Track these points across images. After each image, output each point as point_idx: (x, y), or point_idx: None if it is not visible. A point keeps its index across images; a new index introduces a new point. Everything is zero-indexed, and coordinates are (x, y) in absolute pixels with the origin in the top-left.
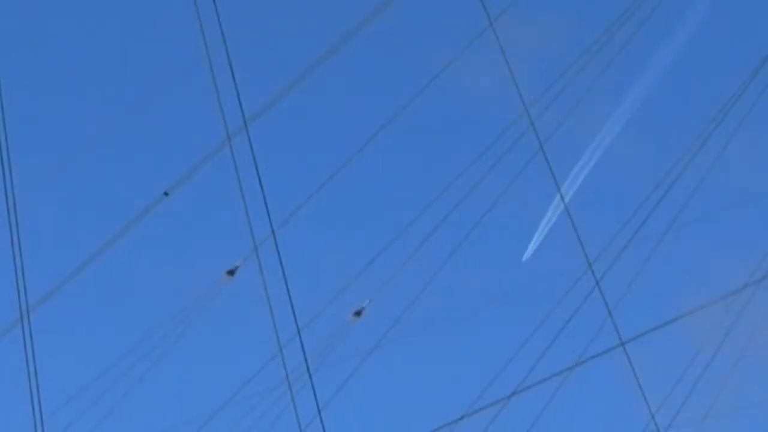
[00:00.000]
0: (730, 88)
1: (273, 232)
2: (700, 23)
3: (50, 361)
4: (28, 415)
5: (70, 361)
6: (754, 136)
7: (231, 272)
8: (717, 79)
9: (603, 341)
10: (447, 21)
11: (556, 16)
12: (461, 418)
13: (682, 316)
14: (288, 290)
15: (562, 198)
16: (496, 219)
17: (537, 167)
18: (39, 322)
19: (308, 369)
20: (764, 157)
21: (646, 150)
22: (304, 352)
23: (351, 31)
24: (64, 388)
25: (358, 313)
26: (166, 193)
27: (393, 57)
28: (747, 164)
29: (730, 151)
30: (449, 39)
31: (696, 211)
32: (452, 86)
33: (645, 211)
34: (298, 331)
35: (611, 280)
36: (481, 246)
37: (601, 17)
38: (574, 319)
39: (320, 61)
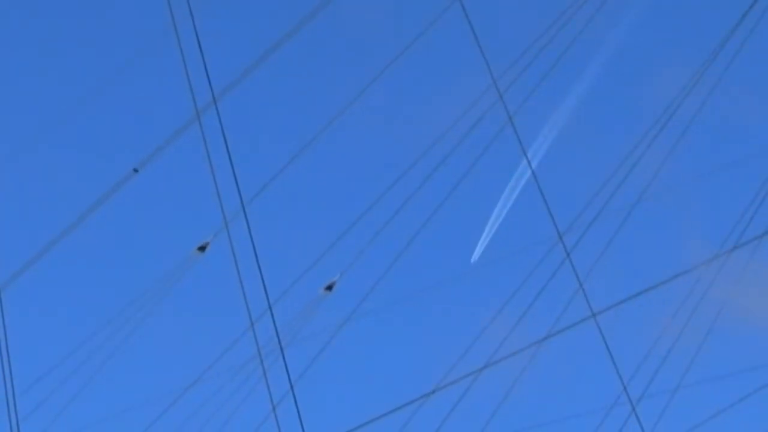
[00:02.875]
0: (701, 56)
1: (243, 207)
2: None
3: (22, 339)
4: (1, 393)
5: (42, 339)
6: (724, 105)
7: (202, 248)
8: (686, 47)
9: (574, 313)
10: None
11: None
12: (433, 391)
13: (652, 287)
14: (258, 265)
15: (531, 169)
16: (466, 191)
17: (503, 140)
18: (10, 300)
19: (280, 344)
20: (734, 126)
21: (614, 121)
22: (275, 327)
23: (320, 2)
24: (36, 366)
25: (329, 288)
26: (135, 170)
27: (362, 29)
28: (716, 134)
29: (699, 121)
30: (420, 11)
31: (665, 181)
32: (422, 58)
33: (614, 182)
34: (269, 306)
35: (581, 252)
36: (451, 219)
37: None
38: (544, 291)
39: (290, 34)
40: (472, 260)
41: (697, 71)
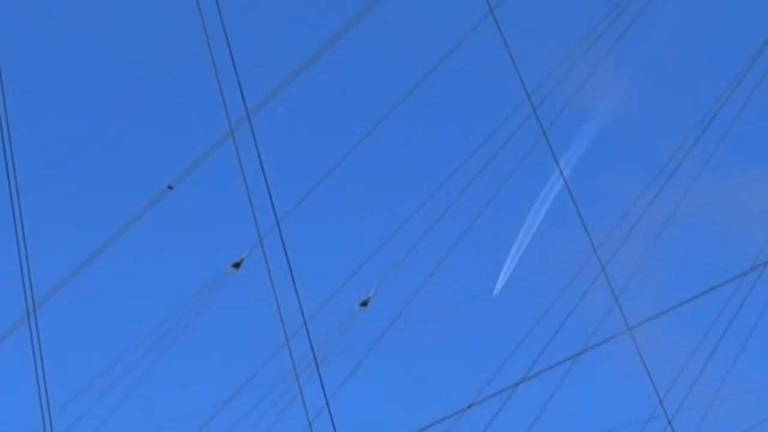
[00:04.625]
0: (734, 69)
1: (278, 223)
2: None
3: (58, 355)
4: (36, 410)
5: (78, 355)
6: (760, 116)
7: (237, 265)
8: (723, 60)
9: (610, 326)
10: (451, 7)
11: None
12: (469, 406)
13: (688, 301)
14: (293, 281)
15: (565, 181)
16: (499, 204)
17: (535, 151)
18: (46, 317)
19: (315, 360)
20: None
21: (649, 133)
22: (311, 343)
23: (353, 18)
24: (72, 382)
25: (364, 303)
26: (170, 187)
27: (395, 44)
28: (754, 141)
29: (735, 130)
30: (456, 24)
31: (700, 193)
32: (456, 72)
33: (649, 194)
34: (305, 322)
35: (616, 265)
36: (485, 233)
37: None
38: (579, 305)
39: (323, 49)
40: (505, 274)
41: (736, 76)
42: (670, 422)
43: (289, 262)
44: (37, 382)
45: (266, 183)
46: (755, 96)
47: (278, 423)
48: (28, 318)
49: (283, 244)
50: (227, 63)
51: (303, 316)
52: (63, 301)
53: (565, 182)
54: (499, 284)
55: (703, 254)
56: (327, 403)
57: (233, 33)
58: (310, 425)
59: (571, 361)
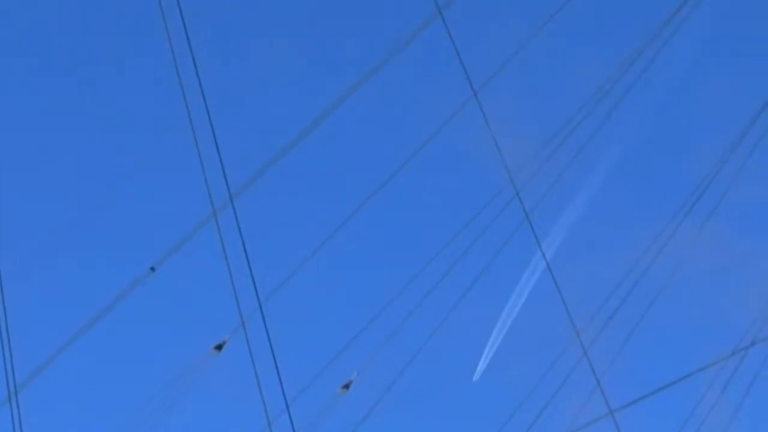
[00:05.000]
0: (719, 145)
1: (260, 305)
2: (685, 85)
3: None
4: None
5: None
6: (743, 200)
7: (219, 347)
8: (704, 143)
9: (592, 410)
10: (433, 88)
11: (545, 82)
12: None
13: (670, 384)
14: (276, 364)
15: (549, 268)
16: (480, 287)
17: (519, 236)
18: (25, 401)
19: None
20: (755, 218)
21: (629, 216)
22: (293, 427)
23: (337, 98)
24: None
25: (346, 386)
26: (152, 269)
27: (378, 127)
28: (736, 226)
29: (720, 212)
30: (438, 107)
31: (681, 277)
32: (440, 154)
33: (631, 279)
34: (287, 406)
35: (598, 348)
36: (468, 315)
37: (589, 82)
38: (562, 388)
39: (306, 130)
40: (486, 357)
41: (719, 161)
42: None
43: (271, 345)
44: None
45: (249, 265)
46: (741, 177)
47: None
48: (10, 401)
49: (266, 326)
50: (210, 145)
51: (285, 399)
52: (44, 385)
53: (548, 265)
54: (481, 367)
55: (686, 336)
56: None
57: (216, 114)
58: None
59: None
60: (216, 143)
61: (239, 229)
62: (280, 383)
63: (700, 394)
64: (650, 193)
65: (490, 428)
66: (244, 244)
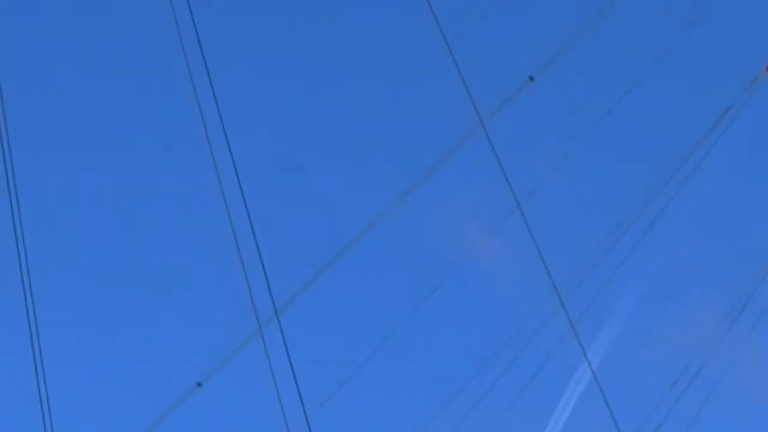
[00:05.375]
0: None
1: (307, 420)
2: (726, 194)
3: None
4: None
5: None
6: None
7: None
8: (749, 249)
9: None
10: (474, 202)
11: (585, 191)
12: None
13: None
14: None
15: (596, 378)
16: (528, 400)
17: (563, 345)
18: None
19: None
20: None
21: (675, 322)
22: None
23: (378, 215)
24: None
25: None
26: (199, 384)
27: (420, 237)
28: None
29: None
30: (482, 220)
31: (731, 384)
32: (481, 267)
33: (679, 386)
34: None
35: None
36: (512, 426)
37: (632, 189)
38: None
39: (345, 248)
40: None
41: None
42: None
43: None
44: None
45: (295, 379)
46: None
47: None
48: None
49: None
50: (254, 260)
51: None
52: None
53: (594, 375)
54: None
55: None
56: None
57: (260, 228)
58: None
59: None
60: (261, 258)
61: (285, 343)
62: None
63: None
64: (697, 299)
65: None
66: (289, 358)
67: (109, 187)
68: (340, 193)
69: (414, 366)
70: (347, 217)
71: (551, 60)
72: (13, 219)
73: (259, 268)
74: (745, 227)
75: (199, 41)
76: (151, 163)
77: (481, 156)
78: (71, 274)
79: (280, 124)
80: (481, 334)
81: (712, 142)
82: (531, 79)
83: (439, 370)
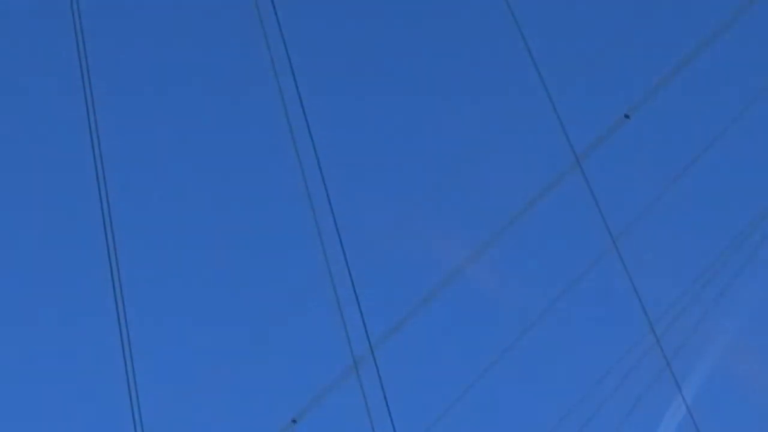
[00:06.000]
0: None
1: None
2: None
3: None
4: None
5: None
6: None
7: None
8: None
9: None
10: (571, 237)
11: (680, 228)
12: None
13: None
14: None
15: (688, 409)
16: None
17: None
18: None
19: None
20: None
21: None
22: None
23: (472, 255)
24: None
25: None
26: (294, 420)
27: (513, 276)
28: None
29: None
30: (578, 256)
31: None
32: (577, 305)
33: None
34: None
35: None
36: None
37: (729, 224)
38: None
39: (442, 284)
40: None
41: None
42: None
43: None
44: None
45: (390, 417)
46: None
47: None
48: None
49: None
50: (349, 294)
51: None
52: None
53: (688, 410)
54: None
55: None
56: None
57: (355, 264)
58: None
59: None
60: (355, 293)
61: (380, 380)
62: None
63: None
64: None
65: None
66: (385, 396)
67: (202, 225)
68: (436, 229)
69: (507, 404)
70: (443, 253)
71: (646, 97)
72: (109, 255)
73: (354, 304)
74: None
75: None
76: (246, 197)
77: (577, 193)
78: (166, 308)
79: (378, 167)
80: (574, 372)
81: None
82: (626, 116)
83: (533, 405)
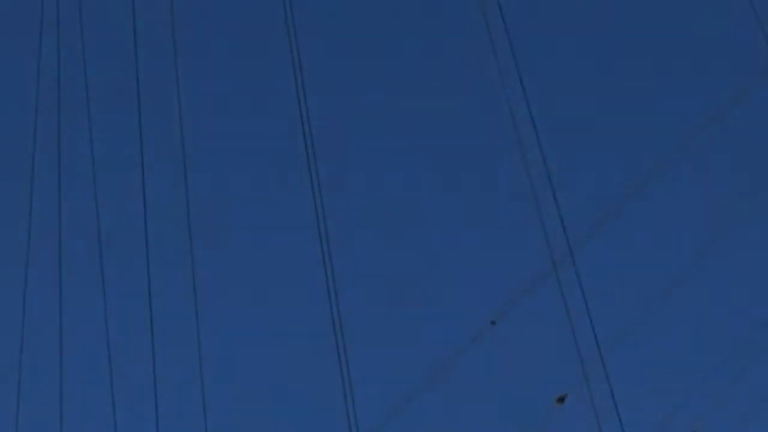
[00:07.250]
0: None
1: (602, 359)
2: None
3: None
4: None
5: None
6: None
7: (561, 399)
8: None
9: None
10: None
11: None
12: None
13: None
14: (619, 418)
15: None
16: None
17: None
18: None
19: None
20: None
21: None
22: None
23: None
24: None
25: None
26: (493, 322)
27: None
28: None
29: None
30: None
31: None
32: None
33: None
34: None
35: None
36: None
37: None
38: None
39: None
40: None
41: None
42: None
43: (614, 399)
44: None
45: (590, 318)
46: None
47: None
48: None
49: (608, 380)
50: (550, 202)
51: None
52: None
53: None
54: None
55: None
56: None
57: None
58: None
59: None
60: (554, 194)
61: (579, 282)
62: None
63: None
64: None
65: None
66: (585, 298)
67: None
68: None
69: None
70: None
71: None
72: None
73: (554, 209)
74: None
75: None
76: None
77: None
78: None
79: None
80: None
81: None
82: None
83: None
